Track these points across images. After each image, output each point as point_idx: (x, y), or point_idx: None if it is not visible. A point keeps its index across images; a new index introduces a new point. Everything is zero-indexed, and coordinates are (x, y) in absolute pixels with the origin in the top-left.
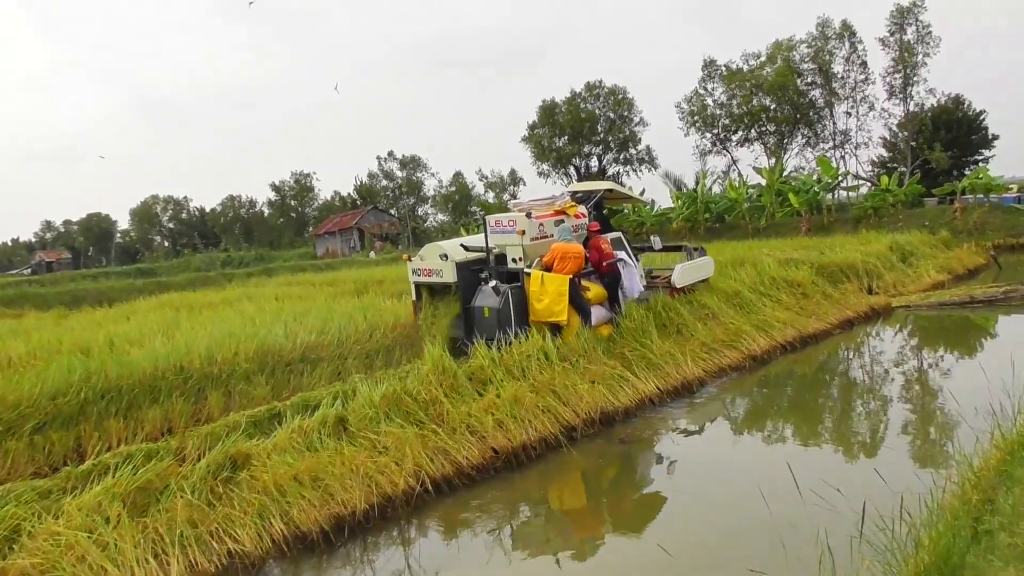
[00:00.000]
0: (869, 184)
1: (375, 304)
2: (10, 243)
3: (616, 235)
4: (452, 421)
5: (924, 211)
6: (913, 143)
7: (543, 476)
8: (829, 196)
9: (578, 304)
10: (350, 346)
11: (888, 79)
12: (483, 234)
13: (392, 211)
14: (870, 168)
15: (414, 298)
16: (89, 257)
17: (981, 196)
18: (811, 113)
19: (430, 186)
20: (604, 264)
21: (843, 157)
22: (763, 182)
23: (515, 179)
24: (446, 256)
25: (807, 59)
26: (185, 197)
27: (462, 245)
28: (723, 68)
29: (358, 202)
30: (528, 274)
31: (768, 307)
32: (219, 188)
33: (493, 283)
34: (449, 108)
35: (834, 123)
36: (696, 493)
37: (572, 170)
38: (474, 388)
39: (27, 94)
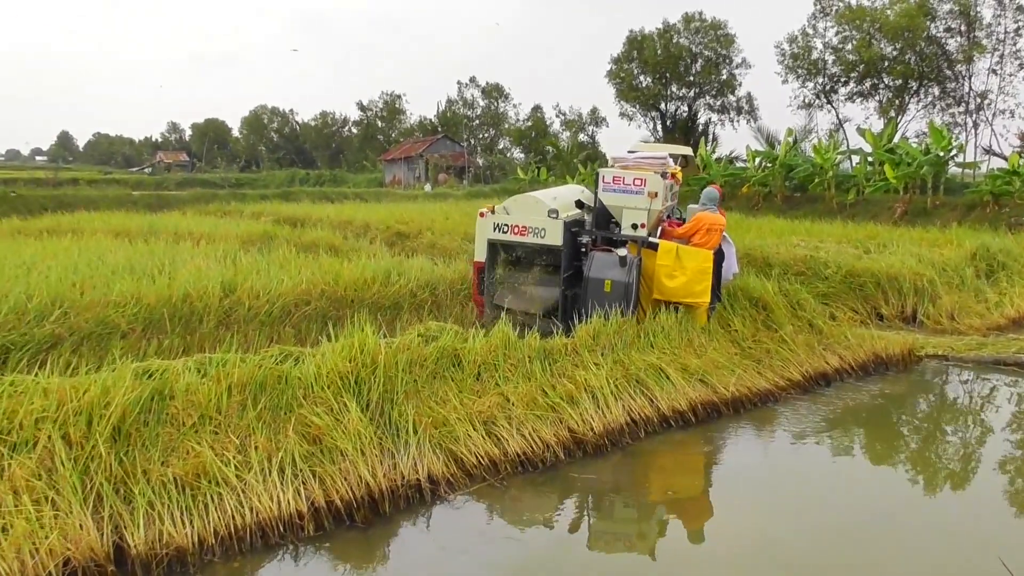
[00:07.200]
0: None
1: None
2: (141, 140)
3: None
4: None
5: None
6: None
7: None
8: (958, 172)
9: (716, 284)
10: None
11: None
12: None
13: (470, 141)
14: (1020, 143)
15: (479, 259)
16: (199, 162)
17: None
18: (945, 67)
19: (512, 118)
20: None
21: (976, 125)
22: (866, 147)
23: (596, 119)
24: (556, 212)
25: None
26: (291, 110)
27: (577, 202)
28: (839, 3)
29: (439, 129)
30: (655, 245)
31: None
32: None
33: (623, 251)
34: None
35: (970, 82)
36: None
37: (657, 114)
38: None
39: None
